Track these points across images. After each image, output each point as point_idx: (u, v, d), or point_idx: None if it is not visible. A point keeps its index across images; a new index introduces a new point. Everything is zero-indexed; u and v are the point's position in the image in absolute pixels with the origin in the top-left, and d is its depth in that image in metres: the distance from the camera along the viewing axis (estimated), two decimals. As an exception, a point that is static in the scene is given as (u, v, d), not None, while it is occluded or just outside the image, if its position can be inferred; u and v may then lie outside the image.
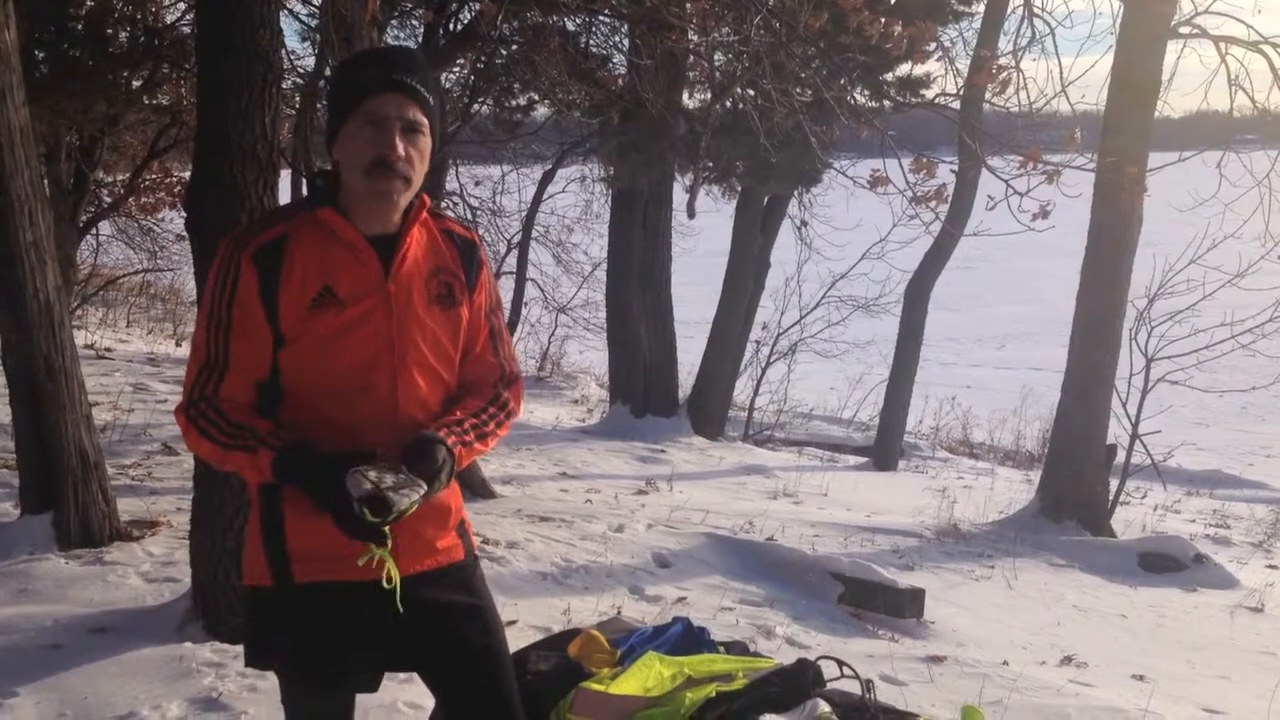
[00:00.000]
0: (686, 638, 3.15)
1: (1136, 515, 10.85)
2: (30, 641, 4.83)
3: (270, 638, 2.43)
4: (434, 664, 2.48)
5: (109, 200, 14.03)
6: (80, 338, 10.03)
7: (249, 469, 2.28)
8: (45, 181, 6.18)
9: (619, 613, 5.31)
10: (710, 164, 12.55)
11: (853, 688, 2.90)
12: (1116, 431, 10.64)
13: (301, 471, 2.22)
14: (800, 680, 2.85)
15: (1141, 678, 6.01)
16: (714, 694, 2.76)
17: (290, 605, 2.36)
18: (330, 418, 2.33)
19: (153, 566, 5.81)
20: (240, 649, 4.62)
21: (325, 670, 2.42)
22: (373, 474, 2.14)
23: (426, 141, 2.35)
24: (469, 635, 2.47)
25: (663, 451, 11.87)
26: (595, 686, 2.69)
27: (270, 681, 4.29)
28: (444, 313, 2.43)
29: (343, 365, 2.33)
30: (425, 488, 2.17)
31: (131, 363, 12.41)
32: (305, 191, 2.50)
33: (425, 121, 2.34)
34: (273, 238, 2.31)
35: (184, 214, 5.12)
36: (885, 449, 14.31)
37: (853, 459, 14.53)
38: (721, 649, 3.13)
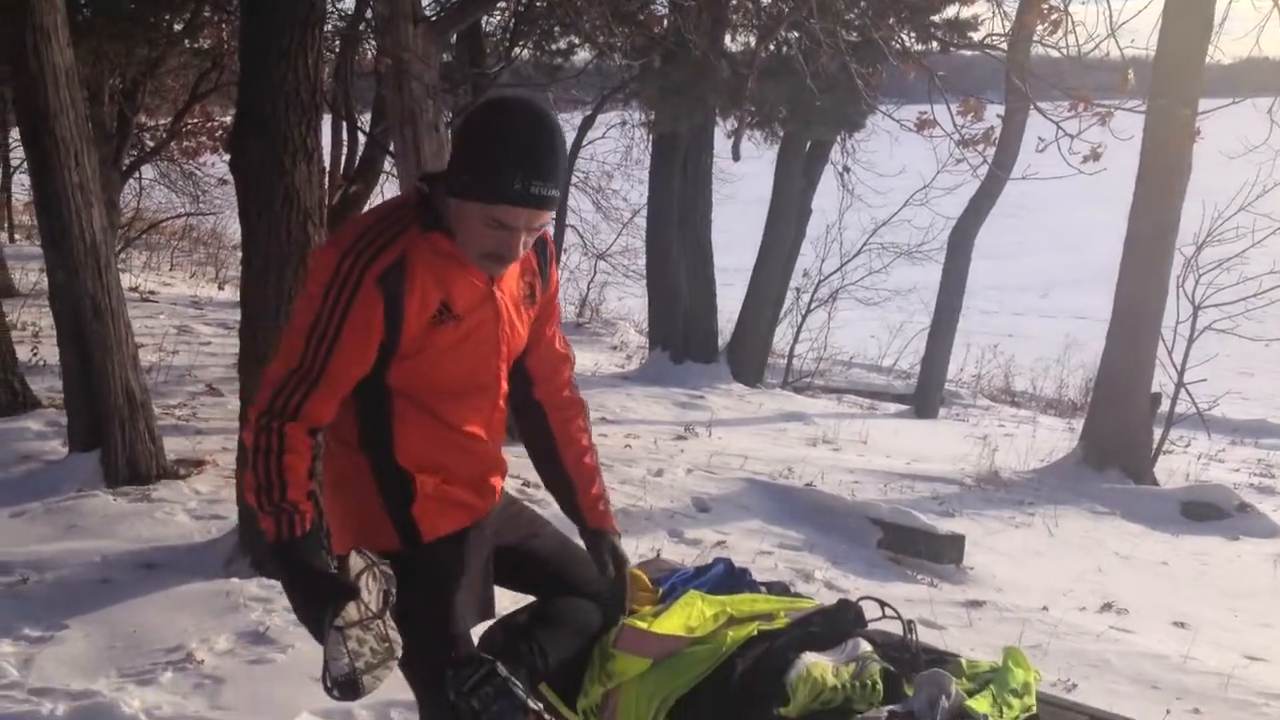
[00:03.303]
0: (728, 578, 3.15)
1: (1180, 464, 10.77)
2: (79, 576, 4.92)
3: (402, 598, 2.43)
4: (535, 554, 2.71)
5: (151, 144, 14.10)
6: (124, 281, 10.13)
7: (258, 517, 2.35)
8: (89, 124, 6.21)
9: (658, 555, 5.34)
10: (753, 108, 12.42)
11: (894, 629, 2.90)
12: (1161, 379, 10.54)
13: (288, 578, 2.31)
14: (842, 620, 2.85)
15: (1183, 625, 5.99)
16: (756, 632, 2.76)
17: (421, 564, 2.43)
18: (437, 413, 2.45)
19: (199, 504, 5.89)
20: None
21: (458, 610, 2.47)
22: (354, 635, 2.19)
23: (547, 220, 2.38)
24: (543, 527, 2.79)
25: (702, 398, 11.86)
26: (639, 624, 2.70)
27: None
28: (527, 311, 2.56)
29: (457, 372, 2.43)
30: (400, 651, 2.26)
31: (176, 305, 12.52)
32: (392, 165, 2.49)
33: (551, 217, 2.34)
34: (394, 259, 2.29)
35: (226, 157, 5.15)
36: (926, 397, 14.24)
37: (893, 406, 14.47)
38: (763, 589, 3.13)
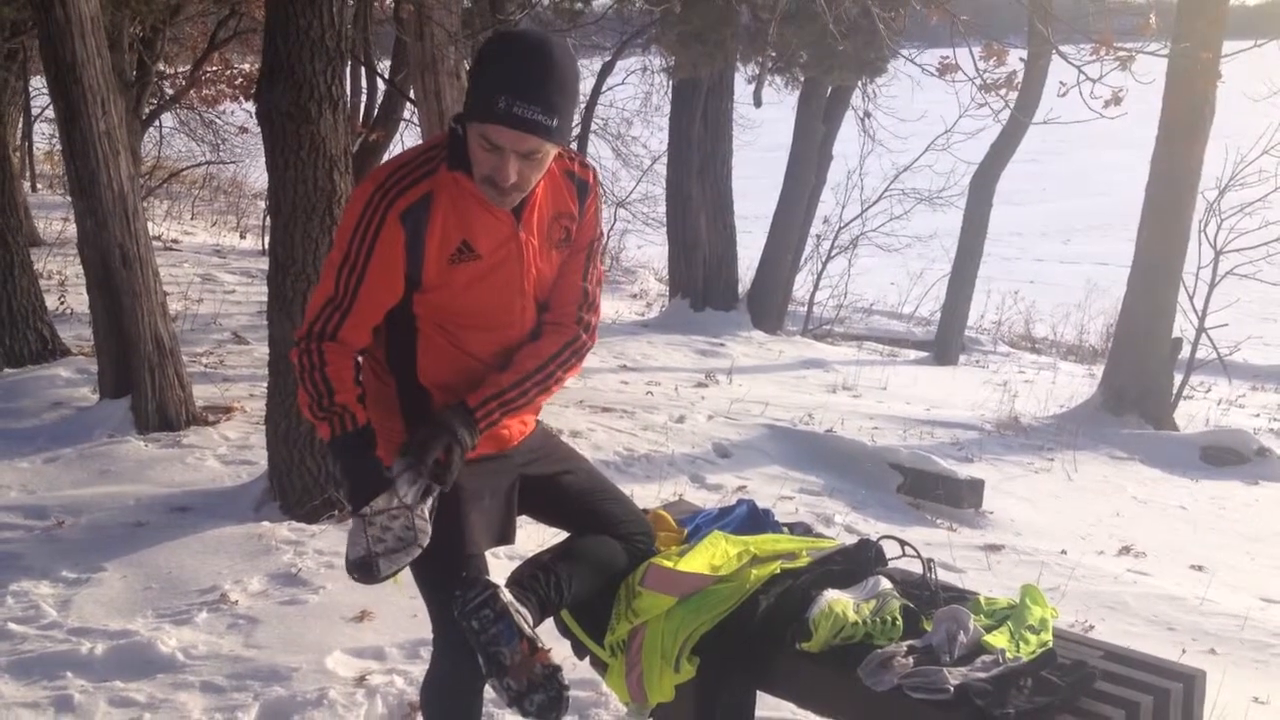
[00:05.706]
0: (751, 519, 3.21)
1: (1200, 409, 10.77)
2: (114, 520, 5.03)
3: None
4: (566, 489, 2.77)
5: (170, 92, 14.10)
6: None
7: (316, 427, 2.52)
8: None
9: (681, 499, 5.40)
10: (774, 54, 12.33)
11: (913, 567, 2.96)
12: (1182, 324, 10.52)
13: (338, 470, 2.55)
14: (863, 558, 2.91)
15: (1200, 568, 6.04)
16: (778, 571, 2.83)
17: None
18: (459, 341, 2.55)
19: (229, 450, 5.98)
20: (316, 529, 4.80)
21: (471, 532, 2.55)
22: (379, 522, 2.34)
23: (546, 156, 2.39)
24: (577, 464, 2.87)
25: (722, 345, 11.88)
26: (665, 563, 2.76)
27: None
28: (558, 254, 2.62)
29: (476, 307, 2.53)
30: (425, 541, 2.37)
31: (199, 254, 12.59)
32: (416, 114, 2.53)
33: (544, 150, 2.36)
34: (419, 197, 2.41)
35: (245, 106, 5.18)
36: (946, 344, 14.22)
37: (913, 353, 14.47)
38: (785, 530, 3.19)
